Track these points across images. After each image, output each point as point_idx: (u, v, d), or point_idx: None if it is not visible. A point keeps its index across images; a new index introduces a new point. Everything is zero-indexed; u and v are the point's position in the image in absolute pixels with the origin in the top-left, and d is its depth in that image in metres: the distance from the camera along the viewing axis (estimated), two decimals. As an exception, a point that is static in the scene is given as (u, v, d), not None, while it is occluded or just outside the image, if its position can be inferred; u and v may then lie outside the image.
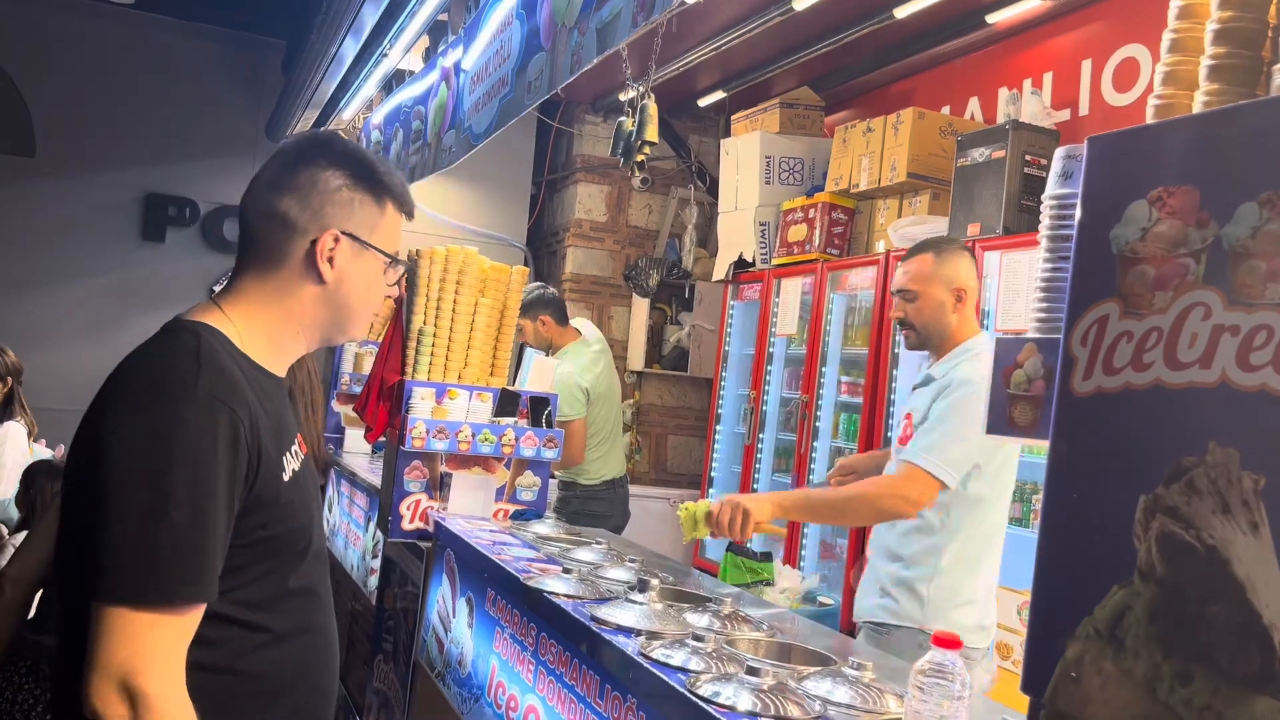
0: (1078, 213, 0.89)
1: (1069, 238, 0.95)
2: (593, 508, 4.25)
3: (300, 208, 1.32)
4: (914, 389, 2.63)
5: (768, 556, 4.31)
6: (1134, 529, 0.79)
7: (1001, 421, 0.97)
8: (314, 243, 1.32)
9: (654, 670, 1.54)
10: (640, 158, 2.81)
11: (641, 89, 2.78)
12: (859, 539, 4.32)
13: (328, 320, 1.37)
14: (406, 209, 1.41)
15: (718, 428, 5.56)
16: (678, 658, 1.60)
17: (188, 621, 1.14)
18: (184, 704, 1.14)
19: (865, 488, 2.41)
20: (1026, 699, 1.14)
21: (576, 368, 4.10)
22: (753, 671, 1.46)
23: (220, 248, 6.14)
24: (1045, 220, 0.96)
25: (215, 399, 1.19)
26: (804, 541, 4.70)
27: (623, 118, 2.94)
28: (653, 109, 2.76)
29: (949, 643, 1.05)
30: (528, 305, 4.08)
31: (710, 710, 1.38)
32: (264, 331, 1.33)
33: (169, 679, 1.12)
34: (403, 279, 1.44)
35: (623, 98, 5.84)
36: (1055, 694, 0.84)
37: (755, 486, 5.13)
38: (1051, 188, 0.96)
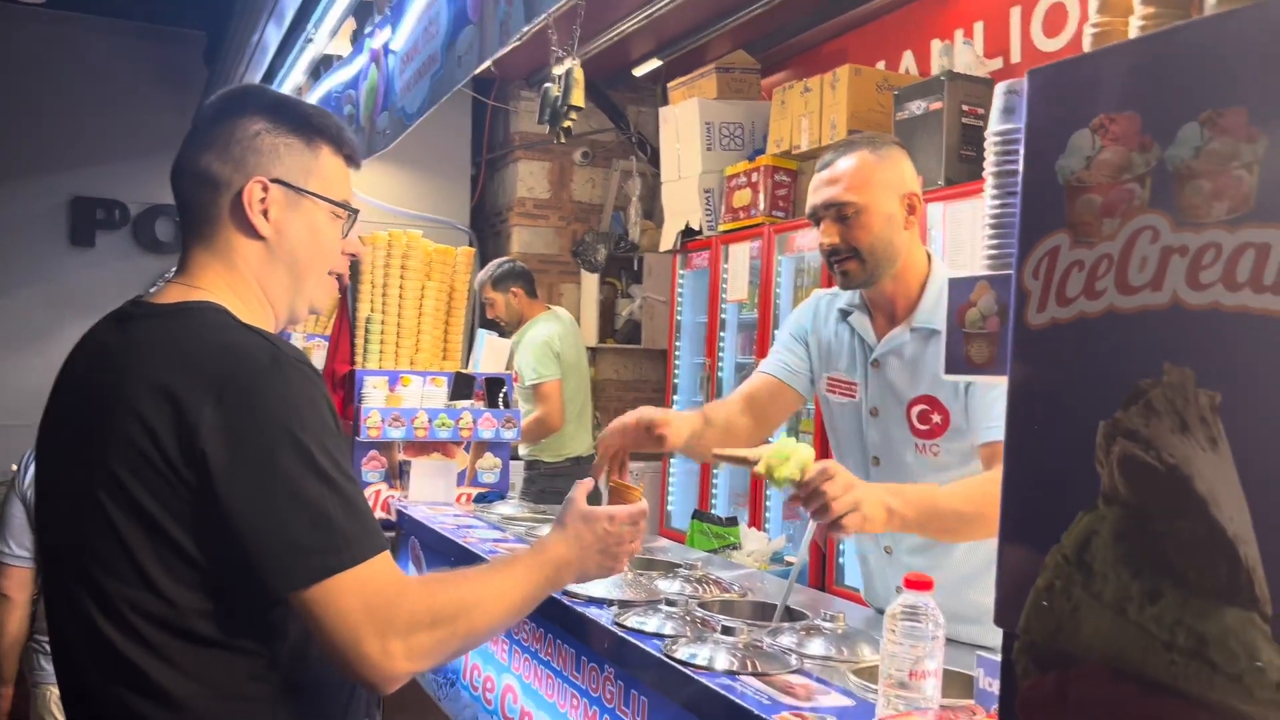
0: (1022, 147, 0.89)
1: (1015, 173, 0.96)
2: (559, 485, 4.26)
3: (221, 161, 1.23)
4: (886, 356, 1.88)
5: (733, 521, 4.34)
6: (1095, 455, 0.80)
7: (959, 361, 0.97)
8: (239, 194, 1.22)
9: (629, 638, 1.54)
10: (567, 124, 2.77)
11: (564, 54, 2.74)
12: (821, 497, 4.36)
13: (283, 283, 1.27)
14: (346, 151, 1.31)
15: (675, 397, 5.57)
16: (651, 624, 1.60)
17: (382, 561, 1.13)
18: (428, 593, 1.15)
19: (991, 493, 1.50)
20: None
21: (548, 332, 4.19)
22: (728, 631, 1.47)
23: (154, 249, 5.99)
24: (990, 157, 0.96)
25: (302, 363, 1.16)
26: (768, 504, 4.74)
27: (548, 84, 2.90)
28: (578, 73, 2.72)
29: (920, 585, 1.06)
30: (499, 278, 4.25)
31: (689, 673, 1.38)
32: (238, 303, 1.24)
33: (407, 596, 1.12)
34: (351, 227, 1.32)
35: (557, 71, 5.80)
36: (1028, 624, 0.85)
37: (716, 453, 5.14)
38: (994, 124, 0.96)
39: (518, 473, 4.44)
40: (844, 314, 1.99)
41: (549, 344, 4.17)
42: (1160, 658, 0.73)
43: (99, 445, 1.12)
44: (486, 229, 6.65)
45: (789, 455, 1.54)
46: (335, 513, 1.10)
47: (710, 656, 1.42)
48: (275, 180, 1.24)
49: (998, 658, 1.10)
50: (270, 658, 1.16)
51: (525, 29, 2.17)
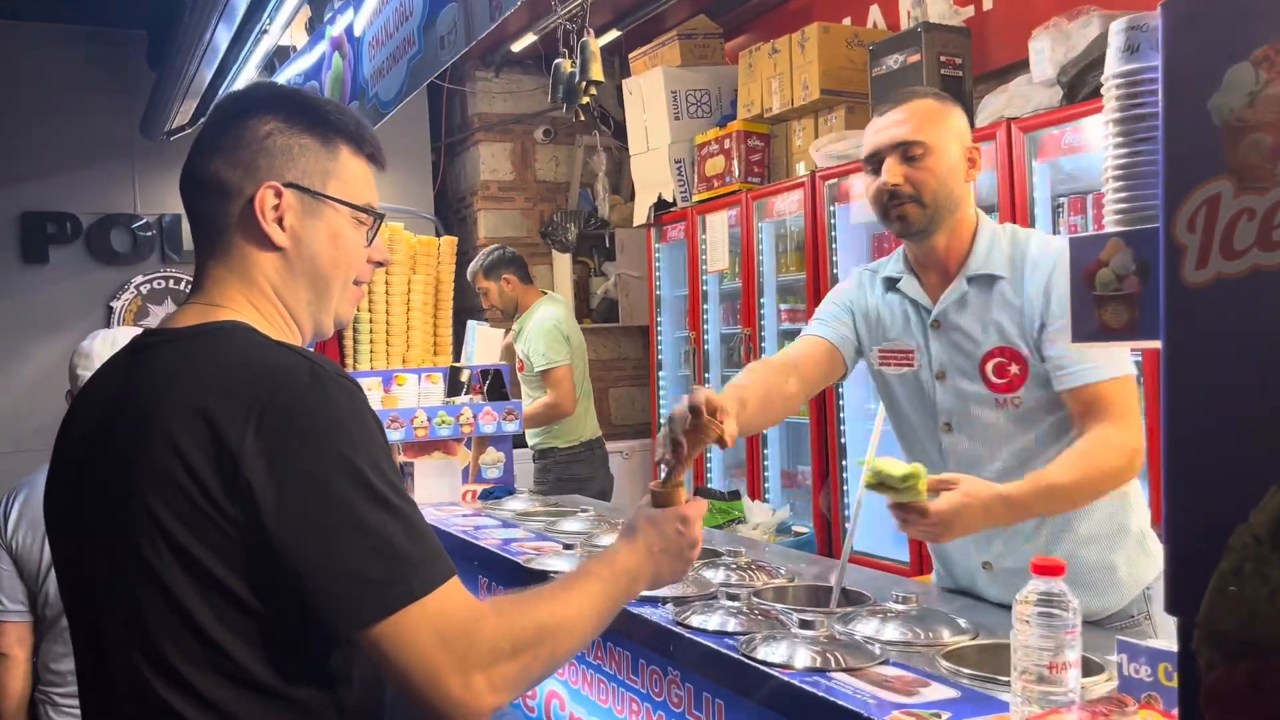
0: (1161, 87, 0.80)
1: (1144, 117, 0.88)
2: (575, 471, 4.16)
3: (230, 166, 1.12)
4: (946, 314, 1.80)
5: (736, 495, 4.28)
6: (1288, 422, 0.72)
7: (1091, 327, 0.89)
8: (251, 202, 1.11)
9: (699, 639, 1.46)
10: (586, 100, 2.65)
11: (572, 27, 2.62)
12: (821, 463, 4.31)
13: (304, 296, 1.17)
14: (368, 151, 1.19)
15: (660, 374, 5.49)
16: (715, 621, 1.52)
17: (453, 588, 1.04)
18: (506, 618, 1.06)
19: (1098, 458, 1.62)
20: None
21: (555, 316, 4.09)
22: (805, 624, 1.39)
23: (110, 260, 5.76)
24: (1113, 103, 0.88)
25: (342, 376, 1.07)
26: (765, 474, 4.69)
27: (559, 60, 2.78)
28: (594, 46, 2.60)
29: (1052, 570, 0.99)
30: (490, 266, 4.16)
31: (775, 673, 1.30)
32: (261, 320, 1.14)
33: (484, 623, 1.03)
34: (377, 233, 1.21)
35: (516, 47, 5.63)
36: (1211, 611, 0.78)
37: (708, 427, 5.07)
38: (1115, 65, 0.88)
39: (526, 462, 4.33)
40: (891, 282, 1.90)
41: (558, 327, 4.05)
42: (1398, 644, 0.66)
43: (132, 487, 1.01)
44: (451, 216, 6.50)
45: (914, 480, 1.52)
46: (398, 539, 1.00)
47: (791, 653, 1.34)
48: (290, 185, 1.13)
49: (1140, 641, 1.04)
50: (335, 705, 1.07)
51: (520, 1, 2.04)
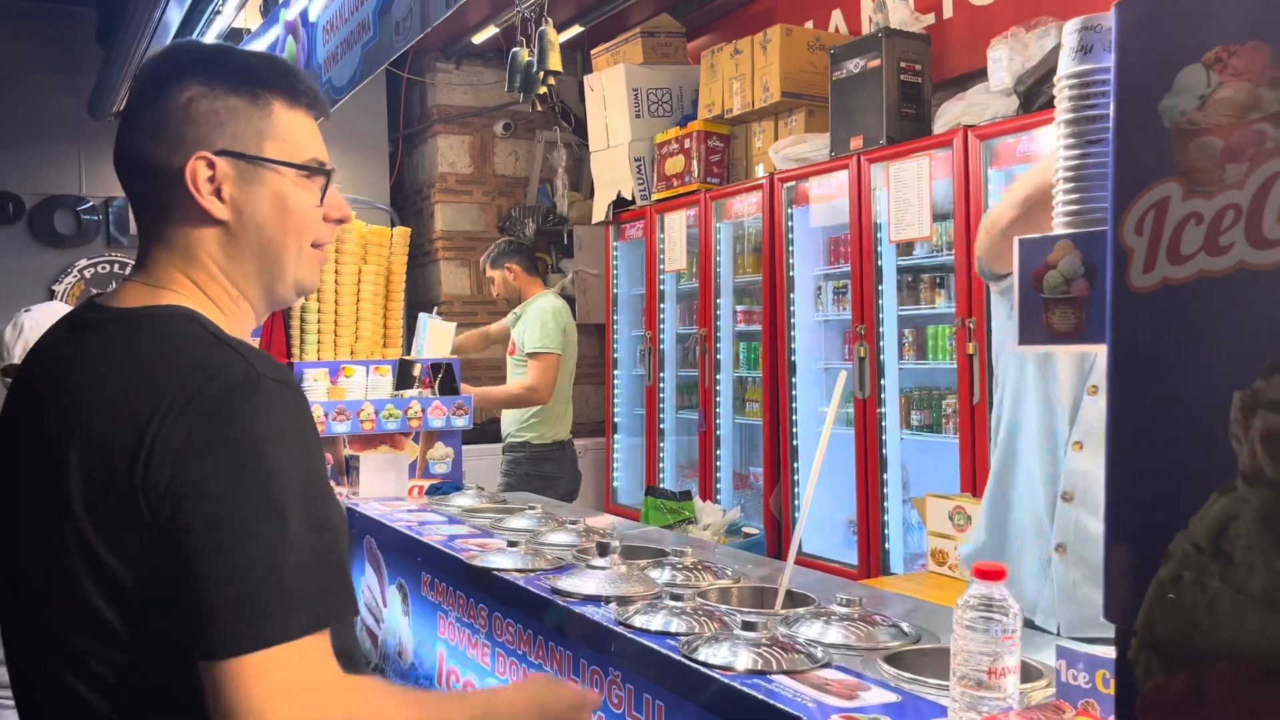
0: (1114, 88, 0.79)
1: (1096, 118, 0.87)
2: (545, 469, 4.14)
3: (155, 142, 1.04)
4: None
5: (687, 495, 4.26)
6: (1230, 429, 0.71)
7: (1037, 330, 0.88)
8: (182, 176, 1.03)
9: (640, 639, 1.43)
10: (543, 90, 2.62)
11: (530, 15, 2.58)
12: (773, 464, 4.31)
13: (253, 269, 1.08)
14: (305, 101, 1.10)
15: (615, 372, 5.47)
16: (657, 622, 1.50)
17: (312, 645, 0.92)
18: (354, 699, 0.96)
19: None
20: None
21: (557, 305, 4.15)
22: (748, 626, 1.37)
23: (54, 243, 5.61)
24: (1064, 103, 0.87)
25: (284, 385, 0.98)
26: (718, 475, 4.68)
27: (517, 49, 2.74)
28: (552, 35, 2.56)
29: (993, 574, 0.98)
30: (496, 256, 4.28)
31: (715, 675, 1.28)
32: (207, 302, 1.07)
33: (326, 693, 0.92)
34: (328, 188, 1.12)
35: (477, 39, 5.57)
36: (1149, 620, 0.77)
37: (662, 425, 5.07)
38: (1067, 66, 0.87)
39: (493, 456, 4.29)
40: None
41: (558, 315, 4.08)
42: (1334, 655, 0.65)
43: (57, 482, 0.95)
44: (407, 207, 6.42)
45: None
46: (279, 574, 0.91)
47: (733, 655, 1.32)
48: (221, 152, 1.05)
49: (1079, 648, 1.03)
50: None
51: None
